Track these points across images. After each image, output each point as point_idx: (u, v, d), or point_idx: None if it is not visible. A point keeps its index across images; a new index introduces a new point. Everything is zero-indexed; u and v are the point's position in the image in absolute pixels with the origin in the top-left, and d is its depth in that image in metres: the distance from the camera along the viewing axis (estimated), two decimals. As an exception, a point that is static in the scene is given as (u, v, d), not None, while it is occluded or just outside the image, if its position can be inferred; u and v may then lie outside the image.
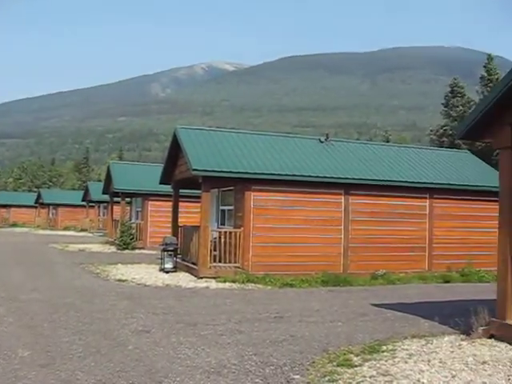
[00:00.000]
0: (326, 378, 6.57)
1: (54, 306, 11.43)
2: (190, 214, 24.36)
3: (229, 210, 19.06)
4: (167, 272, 17.86)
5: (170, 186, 22.09)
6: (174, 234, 20.66)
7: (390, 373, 6.68)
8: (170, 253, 18.33)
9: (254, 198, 17.19)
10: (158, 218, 29.09)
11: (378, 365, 7.06)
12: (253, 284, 15.60)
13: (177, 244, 19.14)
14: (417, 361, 7.20)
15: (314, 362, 7.33)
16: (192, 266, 17.68)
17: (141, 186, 29.42)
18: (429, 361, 7.18)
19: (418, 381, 6.38)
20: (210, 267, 16.74)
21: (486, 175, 20.86)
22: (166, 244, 18.51)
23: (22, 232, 48.58)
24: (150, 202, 29.99)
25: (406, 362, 7.13)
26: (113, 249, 28.30)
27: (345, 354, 7.65)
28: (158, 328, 9.38)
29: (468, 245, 19.21)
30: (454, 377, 6.51)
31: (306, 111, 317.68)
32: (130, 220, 31.95)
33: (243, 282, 15.62)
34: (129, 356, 7.54)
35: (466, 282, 17.49)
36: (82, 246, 29.19)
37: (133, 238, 28.41)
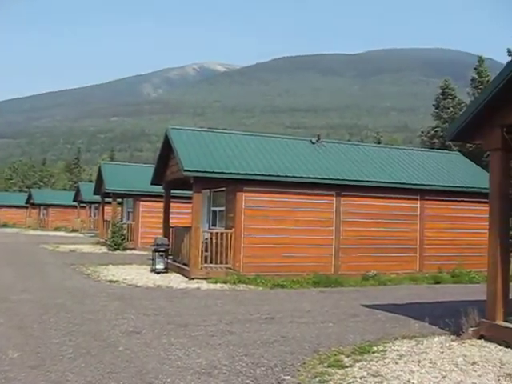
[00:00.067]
0: (317, 379, 6.58)
1: (44, 306, 11.38)
2: (181, 214, 24.30)
3: (220, 210, 19.05)
4: (158, 273, 17.83)
5: (161, 187, 22.05)
6: (166, 234, 20.63)
7: (380, 373, 6.70)
8: (161, 253, 18.30)
9: (246, 199, 17.20)
10: (149, 218, 29.02)
11: (368, 365, 7.08)
12: (244, 285, 15.60)
13: (168, 245, 19.11)
14: (407, 361, 7.22)
15: (304, 363, 7.34)
16: (183, 266, 17.66)
17: (132, 186, 29.36)
18: (419, 361, 7.20)
19: (409, 381, 6.40)
20: (202, 268, 16.72)
21: (476, 177, 20.96)
22: (158, 245, 18.48)
23: (13, 232, 48.32)
24: (141, 203, 29.92)
25: (397, 363, 7.15)
26: (104, 249, 28.21)
27: (335, 355, 7.67)
28: (149, 329, 9.36)
29: (459, 246, 19.30)
30: (444, 377, 6.54)
31: (297, 112, 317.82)
32: (122, 221, 31.89)
33: (234, 283, 15.62)
34: (119, 357, 7.52)
35: (457, 283, 17.56)
36: (72, 247, 29.08)
37: (124, 239, 28.36)
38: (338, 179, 18.12)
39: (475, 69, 43.27)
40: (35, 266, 20.00)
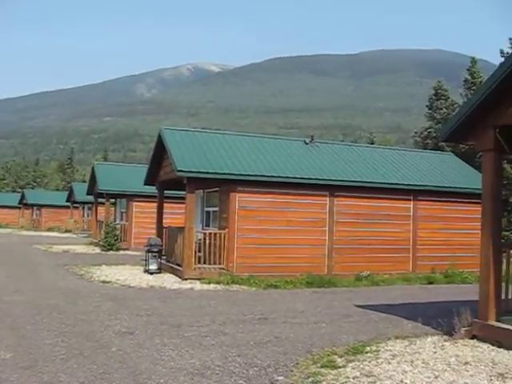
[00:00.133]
0: (310, 380, 6.58)
1: (37, 307, 11.34)
2: (174, 215, 24.26)
3: (214, 211, 19.04)
4: (152, 273, 17.80)
5: (154, 187, 22.02)
6: (159, 235, 20.60)
7: (373, 373, 6.71)
8: (154, 254, 18.27)
9: (239, 200, 17.19)
10: (142, 219, 28.97)
11: (361, 366, 7.09)
12: (237, 285, 15.60)
13: (161, 245, 19.09)
14: (400, 361, 7.24)
15: (297, 364, 7.35)
16: (176, 267, 17.65)
17: (125, 186, 29.30)
18: (412, 361, 7.22)
19: (401, 381, 6.42)
20: (195, 268, 16.71)
21: (469, 177, 21.03)
22: (151, 245, 18.45)
23: (6, 233, 48.08)
24: (134, 203, 29.86)
25: (390, 363, 7.17)
26: (97, 250, 28.15)
27: (329, 355, 7.68)
28: (142, 329, 9.35)
29: (451, 246, 19.35)
30: (436, 377, 6.56)
31: (291, 112, 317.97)
32: (115, 221, 31.84)
33: (228, 284, 15.61)
34: (112, 358, 7.51)
35: (450, 283, 17.63)
36: (66, 247, 29.00)
37: (117, 239, 28.31)
38: (331, 180, 18.14)
39: (468, 70, 43.42)
40: (28, 266, 19.94)
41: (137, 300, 12.72)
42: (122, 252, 27.35)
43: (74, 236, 43.36)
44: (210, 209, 19.44)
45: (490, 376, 6.59)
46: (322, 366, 7.12)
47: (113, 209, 33.86)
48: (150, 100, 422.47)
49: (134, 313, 10.93)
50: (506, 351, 7.71)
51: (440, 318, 9.39)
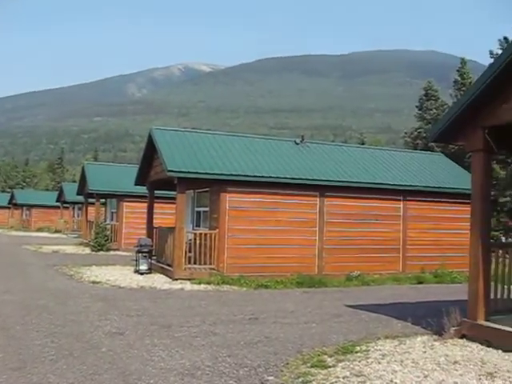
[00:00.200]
0: (300, 380, 6.59)
1: (26, 307, 11.28)
2: (165, 215, 24.24)
3: (204, 211, 19.02)
4: (142, 274, 17.75)
5: (145, 187, 21.98)
6: (149, 235, 20.57)
7: (363, 373, 6.73)
8: (144, 254, 18.22)
9: (230, 200, 17.19)
10: (132, 219, 28.91)
11: (351, 365, 7.10)
12: (228, 285, 15.58)
13: (152, 245, 19.05)
14: (390, 361, 7.26)
15: (288, 364, 7.35)
16: (167, 267, 17.61)
17: (116, 186, 29.21)
18: (402, 361, 7.25)
19: (391, 381, 6.43)
20: (185, 269, 16.69)
21: (458, 178, 21.13)
22: (141, 245, 18.40)
23: (-5, 233, 47.88)
24: (124, 203, 29.78)
25: (379, 363, 7.18)
26: (87, 250, 28.05)
27: (319, 355, 7.69)
28: (132, 330, 9.32)
29: (441, 246, 19.43)
30: (426, 377, 6.58)
31: (281, 113, 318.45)
32: (105, 221, 31.71)
33: (218, 284, 15.59)
34: (102, 358, 7.48)
35: (439, 283, 17.69)
36: (55, 248, 28.88)
37: (107, 240, 28.21)
38: (321, 180, 18.18)
39: (458, 71, 43.65)
40: (17, 266, 19.83)
41: (127, 300, 12.69)
42: (112, 252, 27.25)
43: (64, 236, 43.18)
44: (201, 209, 19.43)
45: (479, 375, 6.62)
46: (311, 366, 7.13)
47: (103, 209, 33.75)
48: (141, 100, 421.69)
49: (124, 313, 10.90)
50: (494, 350, 7.75)
51: (430, 318, 9.43)
